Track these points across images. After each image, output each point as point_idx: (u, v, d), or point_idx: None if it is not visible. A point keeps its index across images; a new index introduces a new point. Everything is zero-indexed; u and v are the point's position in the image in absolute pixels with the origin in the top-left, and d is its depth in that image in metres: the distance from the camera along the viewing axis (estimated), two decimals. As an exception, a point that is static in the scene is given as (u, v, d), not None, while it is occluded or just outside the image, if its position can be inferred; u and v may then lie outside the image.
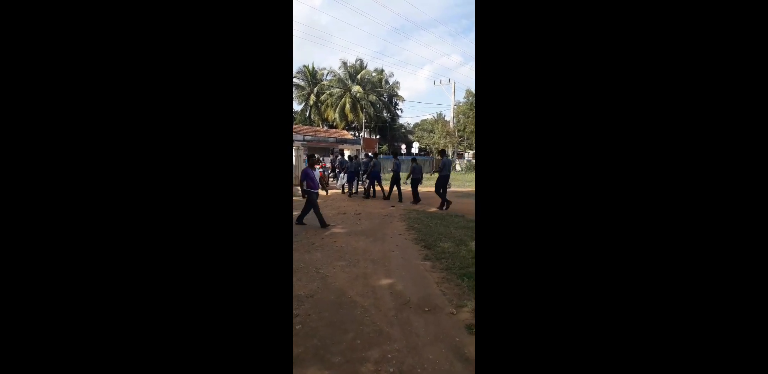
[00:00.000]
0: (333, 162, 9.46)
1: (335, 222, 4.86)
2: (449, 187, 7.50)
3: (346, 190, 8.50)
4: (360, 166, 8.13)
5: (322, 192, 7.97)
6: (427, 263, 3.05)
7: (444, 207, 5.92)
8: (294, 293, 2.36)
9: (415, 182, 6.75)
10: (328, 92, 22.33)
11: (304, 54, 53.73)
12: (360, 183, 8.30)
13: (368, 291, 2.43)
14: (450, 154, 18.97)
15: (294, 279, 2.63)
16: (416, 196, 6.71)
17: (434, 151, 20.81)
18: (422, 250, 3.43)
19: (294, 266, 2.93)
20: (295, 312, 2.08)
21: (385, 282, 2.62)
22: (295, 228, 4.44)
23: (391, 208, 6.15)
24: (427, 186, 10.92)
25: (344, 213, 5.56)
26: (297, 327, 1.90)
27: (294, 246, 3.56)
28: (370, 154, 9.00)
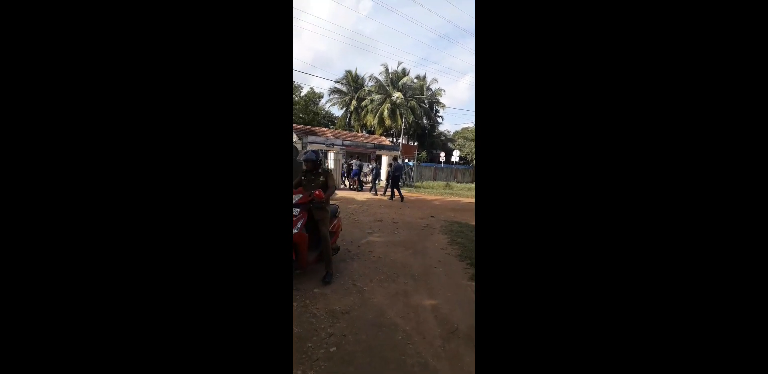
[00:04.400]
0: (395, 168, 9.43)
1: (372, 229, 4.66)
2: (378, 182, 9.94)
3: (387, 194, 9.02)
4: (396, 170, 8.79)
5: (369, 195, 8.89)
6: (475, 284, 2.73)
7: (391, 198, 8.33)
8: (329, 307, 2.17)
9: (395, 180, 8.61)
10: (369, 98, 22.59)
11: (348, 62, 55.41)
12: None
13: (409, 313, 2.17)
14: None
15: (328, 290, 2.45)
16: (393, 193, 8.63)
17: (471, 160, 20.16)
18: (468, 269, 3.11)
19: (329, 275, 2.75)
20: (330, 330, 1.88)
21: (427, 302, 2.35)
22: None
23: (431, 219, 5.85)
24: (465, 196, 10.46)
25: (381, 221, 5.35)
26: (332, 350, 1.69)
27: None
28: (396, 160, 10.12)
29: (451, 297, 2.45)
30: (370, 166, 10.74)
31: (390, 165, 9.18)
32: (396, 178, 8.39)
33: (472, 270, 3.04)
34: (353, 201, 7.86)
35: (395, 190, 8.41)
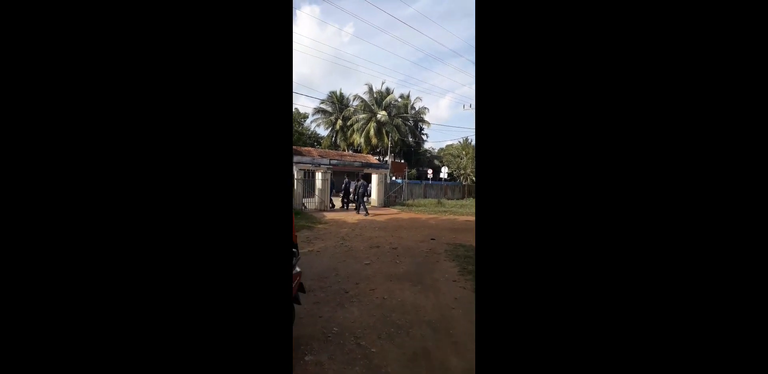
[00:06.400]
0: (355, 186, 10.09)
1: (369, 259, 4.07)
2: (368, 201, 10.57)
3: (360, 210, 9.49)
4: (360, 188, 9.68)
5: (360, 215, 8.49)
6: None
7: (366, 214, 9.05)
8: (327, 387, 1.56)
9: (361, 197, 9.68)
10: (354, 117, 22.42)
11: (332, 83, 56.01)
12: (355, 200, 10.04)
13: (438, 388, 1.58)
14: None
15: (324, 356, 1.84)
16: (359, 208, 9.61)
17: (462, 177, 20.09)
18: (494, 309, 2.55)
19: (325, 330, 2.14)
20: (331, 436, 1.27)
21: (458, 365, 1.77)
22: (321, 266, 3.68)
23: (432, 242, 5.30)
24: (460, 213, 10.01)
25: (378, 247, 4.76)
26: None
27: (323, 295, 2.79)
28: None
29: (485, 356, 1.88)
30: (345, 183, 10.90)
31: (359, 180, 10.05)
32: (362, 195, 9.61)
33: (500, 311, 2.49)
34: (344, 224, 7.26)
35: (362, 205, 9.50)
